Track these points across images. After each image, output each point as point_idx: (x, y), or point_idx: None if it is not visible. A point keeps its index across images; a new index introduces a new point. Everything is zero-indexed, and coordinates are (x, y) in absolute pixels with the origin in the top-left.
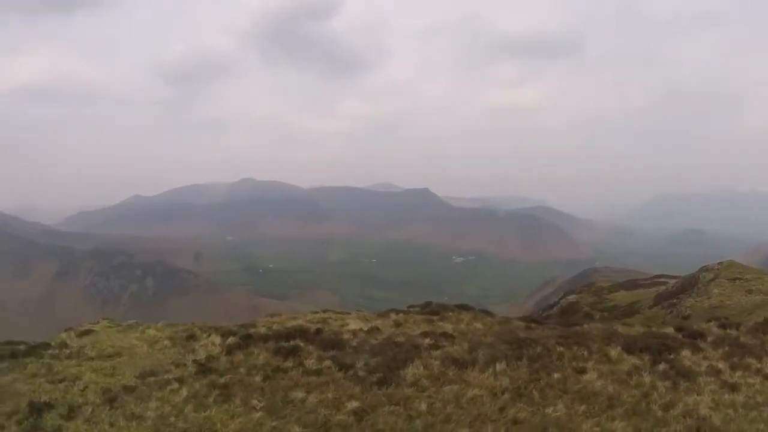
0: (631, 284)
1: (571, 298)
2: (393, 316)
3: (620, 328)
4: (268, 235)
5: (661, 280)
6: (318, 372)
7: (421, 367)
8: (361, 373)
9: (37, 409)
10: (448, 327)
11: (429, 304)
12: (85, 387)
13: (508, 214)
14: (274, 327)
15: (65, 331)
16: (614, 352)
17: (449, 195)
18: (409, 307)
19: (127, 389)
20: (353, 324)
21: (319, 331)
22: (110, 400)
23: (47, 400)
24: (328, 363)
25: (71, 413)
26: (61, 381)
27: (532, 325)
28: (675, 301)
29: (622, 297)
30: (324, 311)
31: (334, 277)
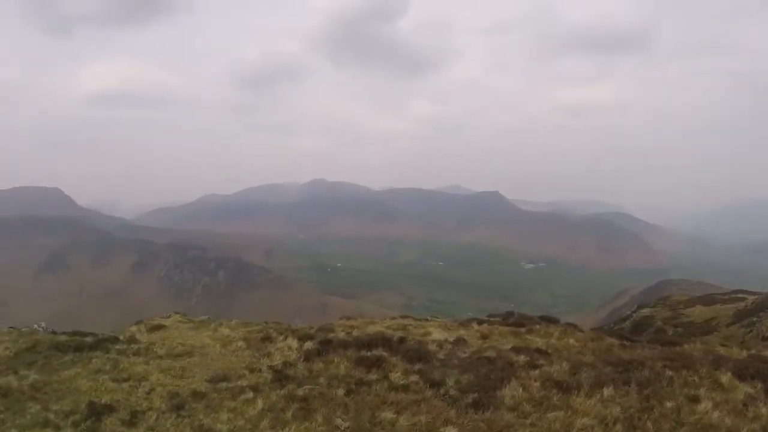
0: (708, 299)
1: (645, 311)
2: (476, 326)
3: (722, 350)
4: (337, 234)
5: (740, 296)
6: (405, 388)
7: (520, 389)
8: (453, 392)
9: (97, 411)
10: (539, 342)
11: (511, 314)
12: (151, 389)
13: (581, 219)
14: (354, 333)
15: (135, 324)
16: (725, 378)
17: (519, 198)
18: (489, 316)
19: (197, 395)
20: (436, 333)
21: (402, 341)
22: (177, 407)
23: (108, 402)
24: (415, 378)
25: (133, 419)
26: (125, 380)
27: (626, 342)
28: (755, 319)
29: (698, 313)
30: (403, 317)
31: (401, 278)
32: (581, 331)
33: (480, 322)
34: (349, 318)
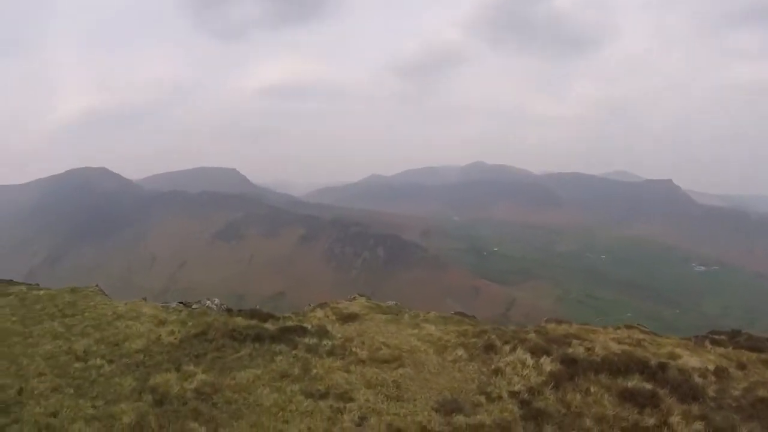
0: None
1: None
2: (711, 346)
3: None
4: (496, 218)
5: None
6: None
7: None
8: None
9: None
10: None
11: (738, 333)
12: (362, 418)
13: (763, 217)
14: (596, 350)
15: (319, 307)
16: None
17: (694, 189)
18: (711, 332)
19: None
20: (687, 357)
21: (663, 368)
22: None
23: None
24: (699, 426)
25: None
26: (323, 396)
27: None
28: None
29: None
30: (628, 327)
31: (558, 269)
32: None
33: (713, 342)
34: (559, 322)
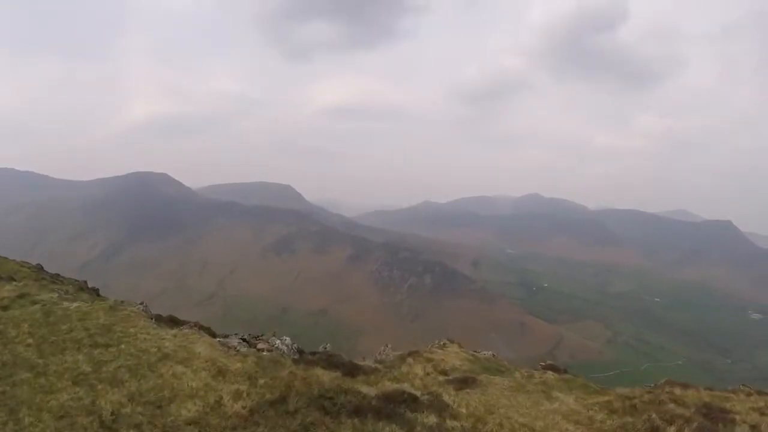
0: None
1: None
2: None
3: None
4: (548, 252)
5: None
6: None
7: None
8: None
9: None
10: None
11: None
12: None
13: None
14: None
15: (410, 356)
16: None
17: (755, 232)
18: None
19: None
20: None
21: None
22: None
23: None
24: None
25: None
26: None
27: None
28: None
29: None
30: (759, 392)
31: (610, 310)
32: None
33: None
34: (684, 386)
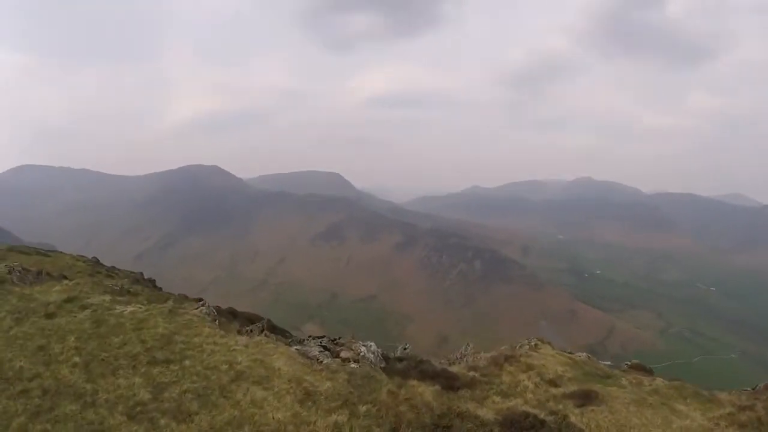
0: None
1: None
2: None
3: None
4: (600, 238)
5: None
6: None
7: None
8: None
9: None
10: None
11: None
12: None
13: None
14: None
15: (506, 360)
16: None
17: None
18: None
19: None
20: None
21: None
22: None
23: None
24: None
25: None
26: None
27: None
28: None
29: None
30: None
31: (662, 299)
32: None
33: None
34: None
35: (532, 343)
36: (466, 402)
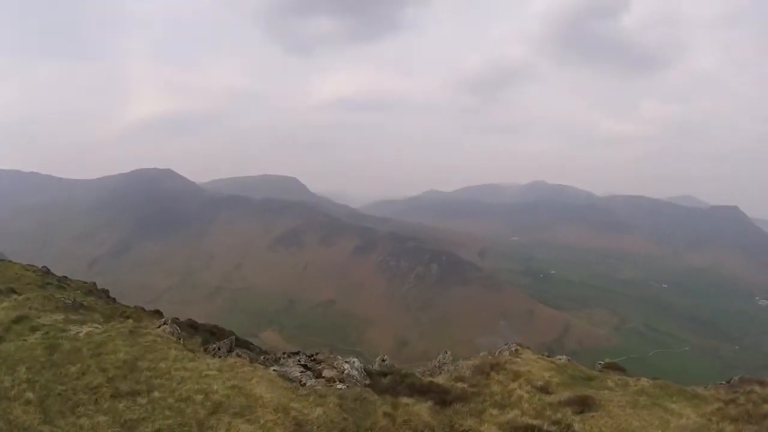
0: None
1: None
2: None
3: None
4: (555, 240)
5: None
6: None
7: None
8: None
9: None
10: None
11: None
12: None
13: None
14: None
15: (491, 368)
16: None
17: (763, 218)
18: None
19: None
20: None
21: None
22: None
23: None
24: None
25: None
26: None
27: None
28: None
29: None
30: None
31: (617, 296)
32: None
33: None
34: (762, 383)
35: (513, 348)
36: (465, 418)
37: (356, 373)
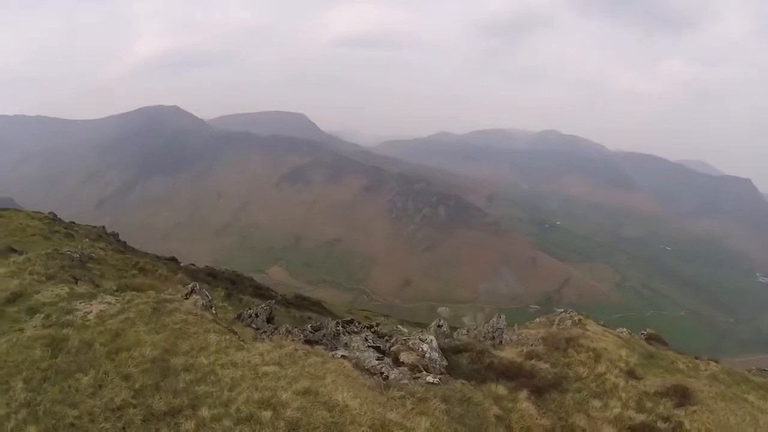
0: None
1: None
2: None
3: None
4: (563, 191)
5: None
6: None
7: None
8: None
9: None
10: None
11: None
12: None
13: None
14: None
15: (567, 343)
16: None
17: None
18: None
19: None
20: None
21: None
22: None
23: None
24: None
25: None
26: None
27: None
28: None
29: None
30: None
31: (620, 254)
32: None
33: None
34: None
35: (575, 318)
36: (571, 413)
37: (437, 355)
